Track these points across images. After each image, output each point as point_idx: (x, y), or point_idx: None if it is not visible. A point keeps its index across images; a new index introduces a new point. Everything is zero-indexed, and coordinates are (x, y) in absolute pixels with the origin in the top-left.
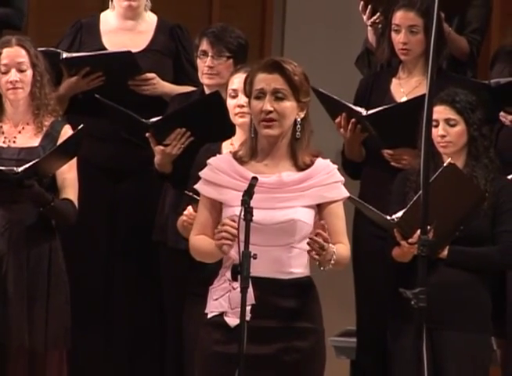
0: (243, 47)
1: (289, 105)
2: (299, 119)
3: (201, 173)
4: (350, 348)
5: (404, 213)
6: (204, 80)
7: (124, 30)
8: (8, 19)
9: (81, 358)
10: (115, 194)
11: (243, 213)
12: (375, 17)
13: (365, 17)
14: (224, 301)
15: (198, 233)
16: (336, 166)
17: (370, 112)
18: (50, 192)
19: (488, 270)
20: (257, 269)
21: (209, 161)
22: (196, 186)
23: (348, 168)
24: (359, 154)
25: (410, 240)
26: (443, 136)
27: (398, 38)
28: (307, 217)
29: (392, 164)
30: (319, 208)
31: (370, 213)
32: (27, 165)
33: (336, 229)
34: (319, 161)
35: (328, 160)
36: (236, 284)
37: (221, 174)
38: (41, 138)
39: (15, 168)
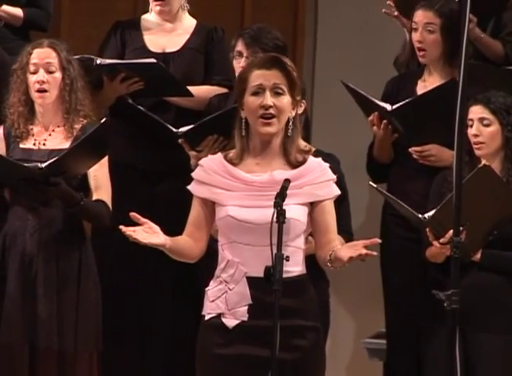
0: (281, 48)
1: (286, 101)
2: (291, 116)
3: (193, 174)
4: (383, 350)
5: (436, 212)
6: None
7: (163, 31)
8: (34, 21)
9: (114, 362)
10: (152, 196)
11: (275, 215)
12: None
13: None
14: (221, 302)
15: (186, 233)
16: (327, 164)
17: (395, 107)
18: (80, 193)
19: None
20: (253, 269)
21: (200, 162)
22: (188, 187)
23: (373, 169)
24: (388, 155)
25: (442, 240)
26: (476, 136)
27: (414, 37)
28: (300, 215)
29: (421, 161)
30: (312, 206)
31: (402, 209)
32: (51, 160)
33: (329, 228)
34: (312, 159)
35: (320, 159)
36: (232, 285)
37: (213, 174)
38: (71, 141)
39: (39, 164)
